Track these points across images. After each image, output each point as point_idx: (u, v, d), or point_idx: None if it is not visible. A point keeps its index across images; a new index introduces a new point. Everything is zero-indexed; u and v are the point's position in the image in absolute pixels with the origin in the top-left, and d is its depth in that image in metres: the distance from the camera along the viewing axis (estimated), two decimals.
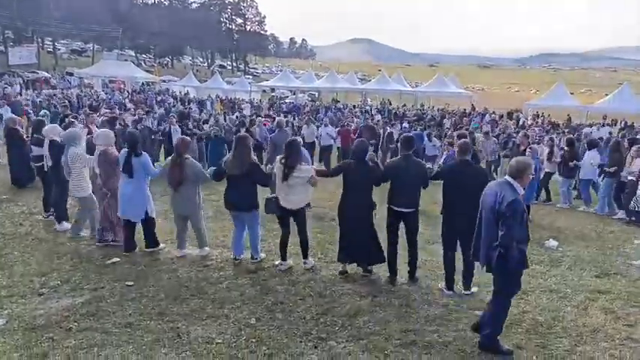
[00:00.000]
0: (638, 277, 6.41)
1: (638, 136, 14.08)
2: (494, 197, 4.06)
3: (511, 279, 4.11)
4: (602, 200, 10.28)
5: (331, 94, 43.39)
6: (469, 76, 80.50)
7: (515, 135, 12.97)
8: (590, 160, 10.58)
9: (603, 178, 10.69)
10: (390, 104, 38.24)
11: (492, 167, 13.27)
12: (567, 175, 10.92)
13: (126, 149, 6.19)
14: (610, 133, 20.43)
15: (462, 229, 5.40)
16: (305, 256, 5.99)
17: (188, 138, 7.52)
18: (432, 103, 39.24)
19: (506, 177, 4.14)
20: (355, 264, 5.88)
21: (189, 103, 28.60)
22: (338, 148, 15.11)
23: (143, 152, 6.26)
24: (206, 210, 8.35)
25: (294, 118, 20.98)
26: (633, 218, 9.32)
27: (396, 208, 5.61)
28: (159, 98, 30.69)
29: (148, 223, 6.33)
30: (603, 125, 25.46)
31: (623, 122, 28.04)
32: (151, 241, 6.39)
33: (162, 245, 6.47)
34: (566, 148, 11.32)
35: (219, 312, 4.76)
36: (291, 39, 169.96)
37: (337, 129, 15.74)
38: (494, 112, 32.67)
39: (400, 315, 4.85)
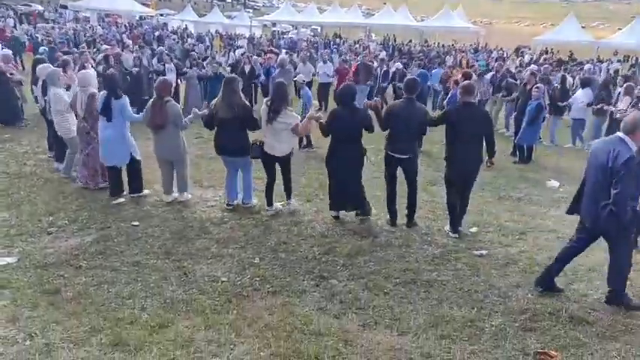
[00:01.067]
0: None
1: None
2: (607, 155, 3.86)
3: (624, 232, 3.99)
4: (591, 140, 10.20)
5: (334, 29, 41.92)
6: (477, 9, 77.33)
7: (508, 75, 12.49)
8: (581, 98, 10.32)
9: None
10: (395, 40, 36.97)
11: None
12: (556, 112, 10.71)
13: (105, 92, 5.94)
14: (608, 70, 19.84)
15: (464, 171, 5.43)
16: (288, 197, 5.96)
17: (170, 79, 7.26)
18: (437, 38, 37.86)
19: (619, 133, 3.93)
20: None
21: (187, 39, 27.69)
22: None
23: (123, 95, 5.98)
24: (208, 151, 8.36)
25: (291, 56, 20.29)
26: None
27: (393, 154, 5.52)
28: (157, 33, 29.65)
29: (134, 166, 6.15)
30: (612, 62, 24.70)
31: (634, 58, 27.23)
32: (136, 186, 6.21)
33: (146, 191, 6.29)
34: (557, 85, 11.08)
35: (224, 251, 4.88)
36: None
37: (335, 67, 15.33)
38: (501, 49, 31.69)
39: (400, 255, 4.97)
